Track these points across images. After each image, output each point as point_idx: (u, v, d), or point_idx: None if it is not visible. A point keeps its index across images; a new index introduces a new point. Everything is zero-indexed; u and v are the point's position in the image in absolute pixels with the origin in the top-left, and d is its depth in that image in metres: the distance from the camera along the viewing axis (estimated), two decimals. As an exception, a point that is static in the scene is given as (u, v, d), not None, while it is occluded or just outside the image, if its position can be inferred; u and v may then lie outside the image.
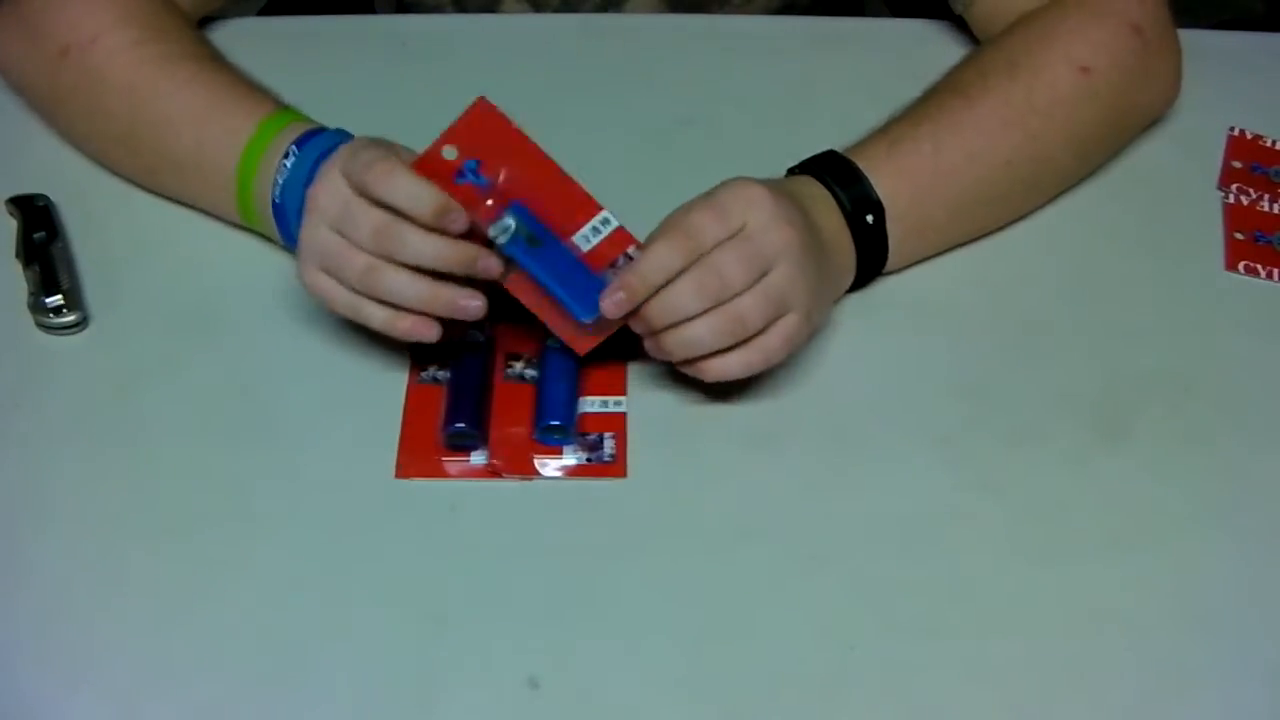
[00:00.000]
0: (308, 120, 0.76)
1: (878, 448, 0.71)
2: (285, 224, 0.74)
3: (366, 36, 0.97)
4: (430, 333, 0.67)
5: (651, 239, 0.68)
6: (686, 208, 0.68)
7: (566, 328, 0.69)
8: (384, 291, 0.66)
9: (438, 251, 0.65)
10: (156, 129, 0.78)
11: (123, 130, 0.80)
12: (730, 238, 0.66)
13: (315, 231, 0.67)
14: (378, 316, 0.67)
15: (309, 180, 0.69)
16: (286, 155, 0.73)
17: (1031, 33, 0.81)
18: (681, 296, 0.66)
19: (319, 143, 0.73)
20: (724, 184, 0.68)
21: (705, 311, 0.66)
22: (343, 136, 0.74)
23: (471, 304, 0.66)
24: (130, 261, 0.80)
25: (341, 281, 0.67)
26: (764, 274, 0.66)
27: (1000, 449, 0.71)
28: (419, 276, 0.66)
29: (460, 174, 0.66)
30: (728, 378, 0.69)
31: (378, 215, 0.65)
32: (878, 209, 0.74)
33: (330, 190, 0.66)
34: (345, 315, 0.69)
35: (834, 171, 0.75)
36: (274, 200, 0.74)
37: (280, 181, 0.73)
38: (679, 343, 0.67)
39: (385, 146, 0.67)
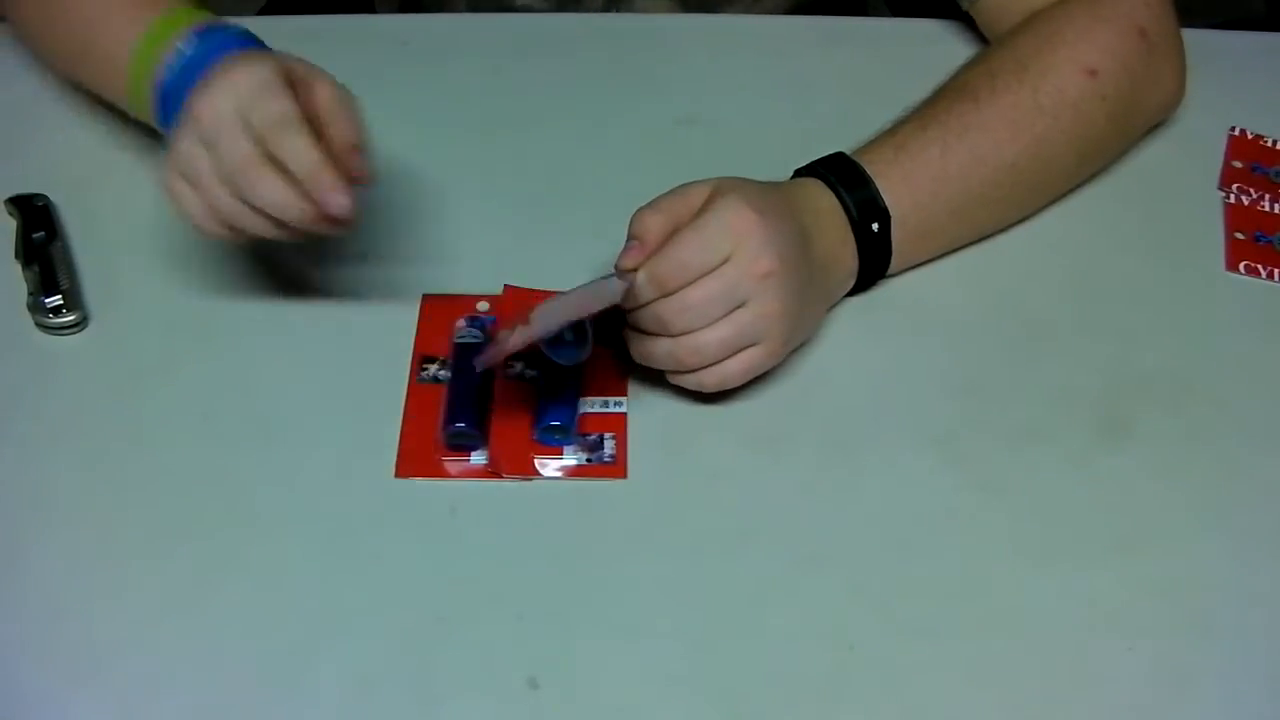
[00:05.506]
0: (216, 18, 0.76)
1: (878, 448, 0.71)
2: (166, 109, 0.73)
3: (366, 36, 0.97)
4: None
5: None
6: (678, 239, 0.67)
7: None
8: (249, 198, 0.67)
9: (285, 199, 0.66)
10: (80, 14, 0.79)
11: (55, 12, 0.80)
12: (714, 267, 0.67)
13: (185, 144, 0.67)
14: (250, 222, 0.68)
15: (200, 71, 0.69)
16: (186, 40, 0.72)
17: (1039, 34, 0.81)
18: (647, 322, 0.69)
19: (217, 38, 0.72)
20: (719, 203, 0.68)
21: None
22: (243, 39, 0.74)
23: (339, 199, 0.65)
24: (130, 261, 0.80)
25: (200, 192, 0.68)
26: (738, 306, 0.67)
27: (1000, 449, 0.71)
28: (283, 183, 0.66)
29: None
30: (681, 385, 0.71)
31: (245, 149, 0.65)
32: (884, 215, 0.74)
33: (212, 111, 0.66)
34: (202, 226, 0.69)
35: (841, 175, 0.74)
36: (159, 82, 0.73)
37: (172, 65, 0.72)
38: (638, 352, 0.71)
39: (285, 98, 0.66)
